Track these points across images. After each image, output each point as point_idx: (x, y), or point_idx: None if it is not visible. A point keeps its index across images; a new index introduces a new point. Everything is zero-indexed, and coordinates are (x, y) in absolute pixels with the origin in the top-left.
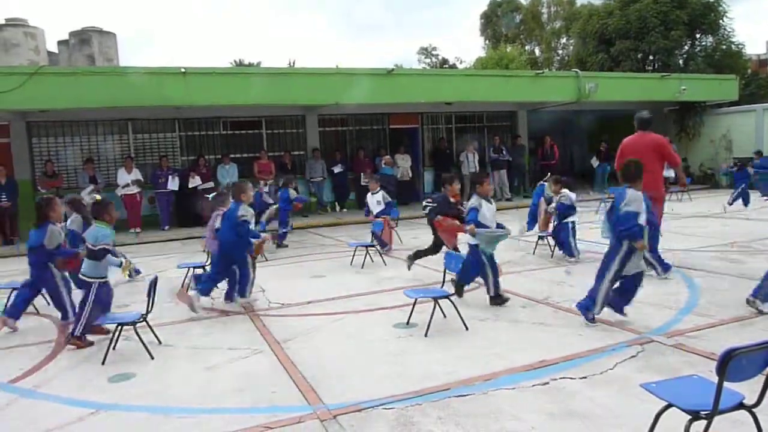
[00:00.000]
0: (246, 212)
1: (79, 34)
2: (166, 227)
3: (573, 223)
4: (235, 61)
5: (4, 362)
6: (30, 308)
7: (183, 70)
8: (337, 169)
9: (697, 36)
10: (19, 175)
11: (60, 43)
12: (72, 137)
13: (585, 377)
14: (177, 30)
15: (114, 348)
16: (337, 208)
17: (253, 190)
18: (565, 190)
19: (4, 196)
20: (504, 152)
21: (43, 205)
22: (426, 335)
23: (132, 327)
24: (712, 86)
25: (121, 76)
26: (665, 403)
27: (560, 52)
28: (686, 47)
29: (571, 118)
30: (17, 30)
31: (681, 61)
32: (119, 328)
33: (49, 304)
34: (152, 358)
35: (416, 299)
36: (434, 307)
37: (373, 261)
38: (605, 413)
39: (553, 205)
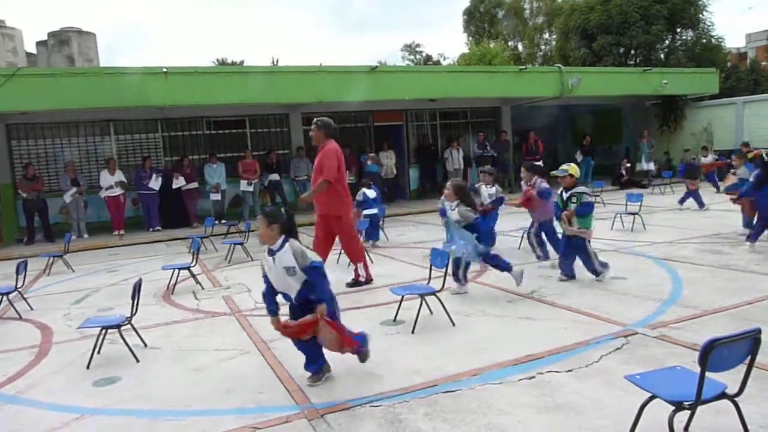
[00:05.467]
0: None
1: (58, 34)
2: (158, 227)
3: None
4: (217, 60)
5: None
6: (12, 313)
7: (165, 69)
8: None
9: (678, 30)
10: None
11: (39, 44)
12: (53, 139)
13: (571, 370)
14: (158, 30)
15: (99, 352)
16: None
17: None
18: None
19: None
20: (488, 148)
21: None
22: (413, 332)
23: (117, 330)
24: (693, 80)
25: (101, 76)
26: (649, 395)
27: (543, 47)
28: (667, 41)
29: (554, 113)
30: None
31: (662, 56)
32: (104, 331)
33: (32, 309)
34: (138, 360)
35: (403, 296)
36: (420, 304)
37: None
38: (591, 406)
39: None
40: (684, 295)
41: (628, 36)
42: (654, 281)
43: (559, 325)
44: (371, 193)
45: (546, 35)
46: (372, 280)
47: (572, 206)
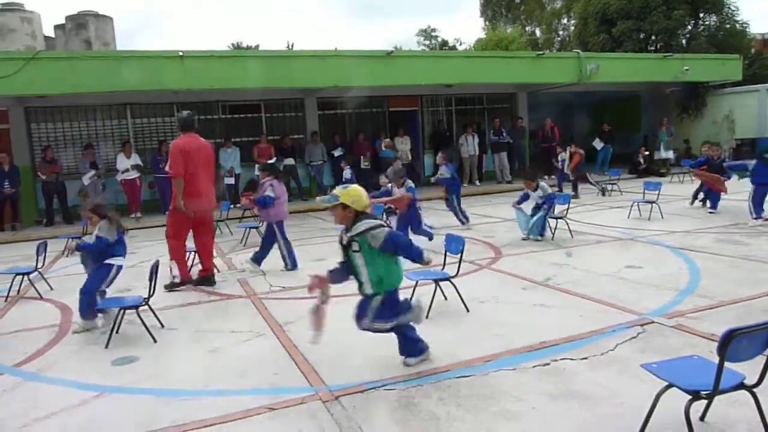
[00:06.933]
0: None
1: (76, 18)
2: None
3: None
4: (233, 44)
5: (9, 346)
6: (33, 293)
7: (181, 53)
8: (336, 153)
9: (701, 15)
10: (18, 161)
11: (56, 27)
12: (71, 123)
13: (586, 358)
14: (175, 13)
15: (117, 332)
16: None
17: None
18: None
19: (7, 183)
20: (504, 134)
21: None
22: (427, 317)
23: (135, 311)
24: (715, 66)
25: (118, 60)
26: (666, 384)
27: (561, 33)
28: (689, 27)
29: (571, 99)
30: (14, 15)
31: (684, 41)
32: (122, 311)
33: (52, 289)
34: (155, 341)
35: (417, 281)
36: (435, 289)
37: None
38: (606, 394)
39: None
40: (702, 285)
41: (648, 21)
42: (671, 270)
43: (574, 312)
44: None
45: (564, 20)
46: (188, 281)
47: (354, 255)
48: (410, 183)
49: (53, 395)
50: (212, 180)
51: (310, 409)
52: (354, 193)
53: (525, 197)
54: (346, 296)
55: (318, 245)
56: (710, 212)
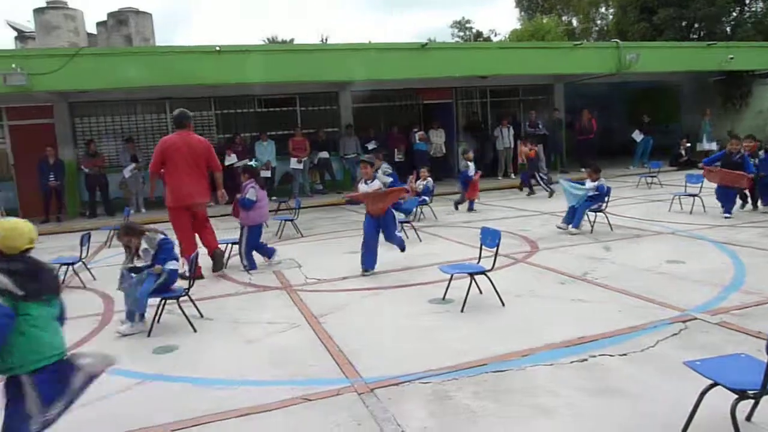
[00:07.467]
0: None
1: (117, 14)
2: (212, 203)
3: None
4: (268, 39)
5: None
6: (77, 282)
7: (218, 48)
8: (371, 146)
9: (746, 1)
10: (62, 155)
11: (98, 24)
12: (112, 117)
13: (625, 354)
14: (211, 8)
15: (158, 321)
16: None
17: None
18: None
19: (52, 176)
20: (540, 126)
21: None
22: (462, 311)
23: (175, 301)
24: (762, 54)
25: (157, 55)
26: (709, 382)
27: (599, 22)
28: (734, 14)
29: (609, 90)
30: (57, 12)
31: (728, 29)
32: (163, 301)
33: (95, 279)
34: (195, 330)
35: (452, 275)
36: (470, 283)
37: (407, 237)
38: (645, 391)
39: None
40: (747, 281)
41: (691, 8)
42: (714, 266)
43: (613, 308)
44: None
45: (602, 9)
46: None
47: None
48: (386, 178)
49: (98, 381)
50: (203, 176)
51: (346, 401)
52: (7, 225)
53: (580, 183)
54: (379, 289)
55: (354, 237)
56: (764, 211)
